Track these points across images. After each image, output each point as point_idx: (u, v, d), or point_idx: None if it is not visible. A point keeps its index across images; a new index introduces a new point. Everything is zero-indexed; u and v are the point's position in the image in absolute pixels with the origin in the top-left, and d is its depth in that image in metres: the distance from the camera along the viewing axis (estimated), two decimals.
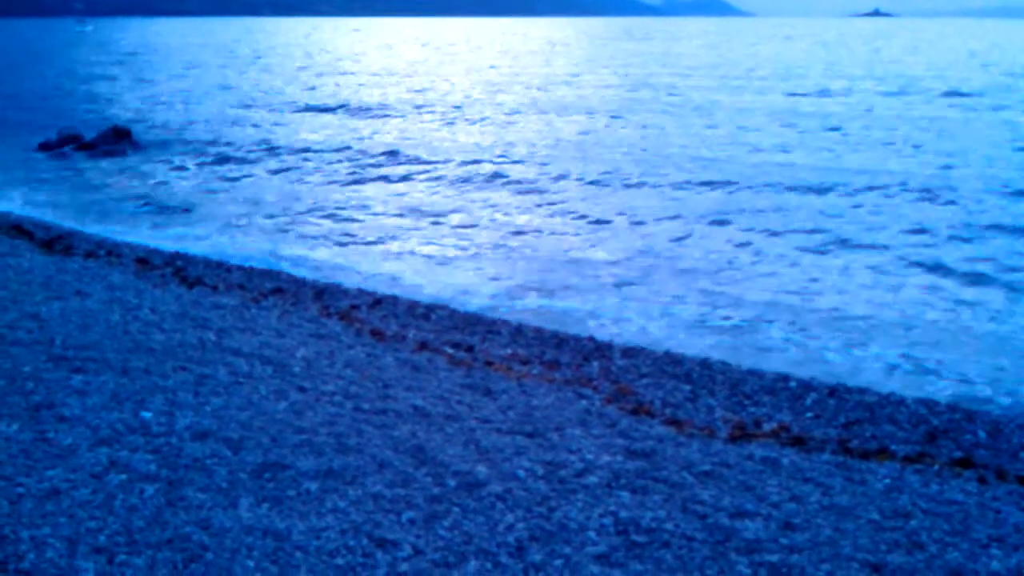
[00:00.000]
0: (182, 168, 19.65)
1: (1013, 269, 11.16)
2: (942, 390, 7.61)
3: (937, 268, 11.36)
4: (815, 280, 10.92)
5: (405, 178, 18.12)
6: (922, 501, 4.94)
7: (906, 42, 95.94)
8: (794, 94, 34.01)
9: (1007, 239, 12.60)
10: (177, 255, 11.39)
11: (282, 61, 60.97)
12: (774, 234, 13.11)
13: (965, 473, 5.60)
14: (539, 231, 13.61)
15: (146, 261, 10.70)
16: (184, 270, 10.35)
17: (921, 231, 13.09)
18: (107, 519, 4.01)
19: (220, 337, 7.24)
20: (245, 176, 18.69)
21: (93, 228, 13.56)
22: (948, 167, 18.26)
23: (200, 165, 19.95)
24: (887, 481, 5.25)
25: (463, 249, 12.60)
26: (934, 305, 9.99)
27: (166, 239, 13.01)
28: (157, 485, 4.38)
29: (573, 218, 14.40)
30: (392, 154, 20.72)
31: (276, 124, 26.60)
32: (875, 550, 4.25)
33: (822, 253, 12.07)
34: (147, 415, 5.27)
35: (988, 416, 6.90)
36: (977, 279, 10.82)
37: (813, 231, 13.22)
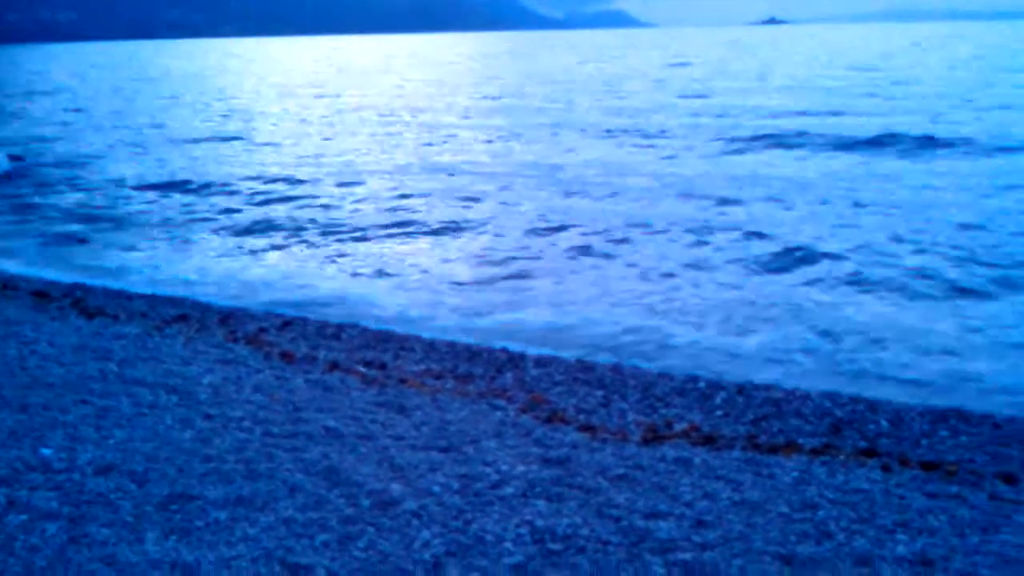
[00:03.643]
0: (77, 199, 18.92)
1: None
2: (845, 382, 7.85)
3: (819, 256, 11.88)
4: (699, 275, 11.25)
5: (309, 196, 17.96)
6: (829, 492, 5.06)
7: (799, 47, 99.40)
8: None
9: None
10: (76, 286, 11.04)
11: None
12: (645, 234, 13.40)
13: (870, 462, 5.77)
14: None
15: (44, 294, 10.35)
16: (84, 301, 10.04)
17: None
18: (8, 561, 3.85)
19: (122, 367, 7.03)
20: (144, 202, 18.19)
21: None
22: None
23: (97, 194, 19.28)
24: (795, 474, 5.37)
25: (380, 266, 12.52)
26: (827, 294, 10.36)
27: (65, 270, 12.61)
28: (59, 523, 4.23)
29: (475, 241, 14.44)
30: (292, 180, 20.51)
31: (171, 151, 26.05)
32: (785, 542, 4.34)
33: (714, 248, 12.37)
34: (47, 452, 5.08)
35: (890, 405, 7.12)
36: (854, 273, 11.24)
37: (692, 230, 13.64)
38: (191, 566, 3.90)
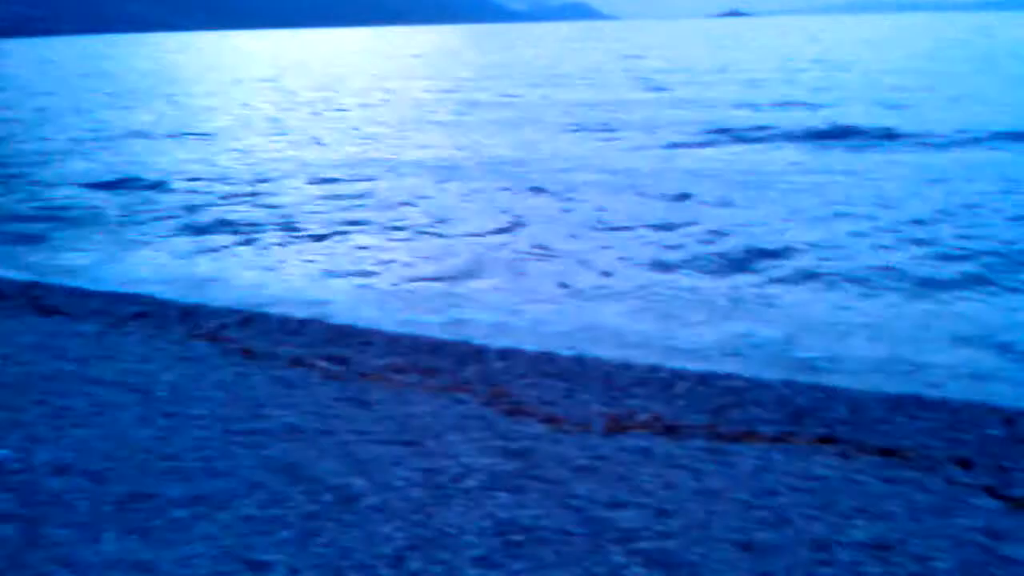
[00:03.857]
0: (31, 197, 18.58)
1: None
2: (806, 373, 7.93)
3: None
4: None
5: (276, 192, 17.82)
6: (788, 478, 5.11)
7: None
8: None
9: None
10: (33, 284, 10.88)
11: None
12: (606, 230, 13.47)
13: (828, 449, 5.83)
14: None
15: None
16: (40, 299, 9.89)
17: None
18: None
19: (80, 366, 6.94)
20: (99, 200, 17.92)
21: None
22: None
23: (51, 192, 18.96)
24: (755, 462, 5.42)
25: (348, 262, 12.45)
26: (787, 288, 10.47)
27: (19, 269, 12.42)
28: (15, 525, 4.18)
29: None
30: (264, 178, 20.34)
31: (126, 147, 25.76)
32: (744, 529, 4.39)
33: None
34: (4, 452, 5.02)
35: (848, 393, 7.20)
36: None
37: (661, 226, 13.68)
38: (149, 565, 3.87)
